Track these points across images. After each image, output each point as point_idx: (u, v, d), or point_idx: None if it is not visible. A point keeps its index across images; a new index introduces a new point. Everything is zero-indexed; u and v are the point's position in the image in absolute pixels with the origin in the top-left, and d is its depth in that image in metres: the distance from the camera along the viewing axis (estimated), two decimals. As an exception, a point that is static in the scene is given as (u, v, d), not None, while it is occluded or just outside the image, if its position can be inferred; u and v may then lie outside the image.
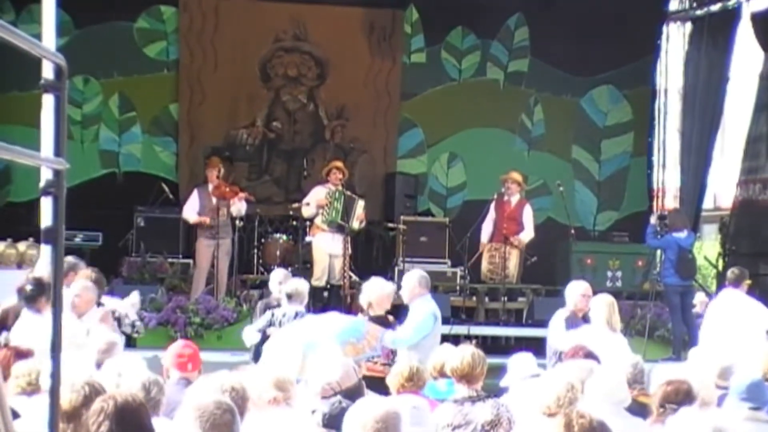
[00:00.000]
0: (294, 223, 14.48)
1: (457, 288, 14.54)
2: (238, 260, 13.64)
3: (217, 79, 15.99)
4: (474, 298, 14.29)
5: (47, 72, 2.20)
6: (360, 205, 13.15)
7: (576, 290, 8.93)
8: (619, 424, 4.93)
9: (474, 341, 10.03)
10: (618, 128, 17.10)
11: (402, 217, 15.02)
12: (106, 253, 13.82)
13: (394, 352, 8.10)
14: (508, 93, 16.82)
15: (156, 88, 15.98)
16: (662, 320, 13.35)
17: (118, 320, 8.44)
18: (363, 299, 8.65)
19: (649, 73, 17.08)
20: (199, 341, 11.54)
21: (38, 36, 2.24)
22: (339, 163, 13.67)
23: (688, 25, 16.68)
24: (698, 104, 15.93)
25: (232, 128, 16.18)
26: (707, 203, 17.45)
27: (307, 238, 13.67)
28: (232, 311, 12.62)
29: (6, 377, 5.55)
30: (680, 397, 5.48)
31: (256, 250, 14.75)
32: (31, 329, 7.18)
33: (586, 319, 8.71)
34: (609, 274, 14.83)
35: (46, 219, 2.20)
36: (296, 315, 9.04)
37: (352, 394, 5.47)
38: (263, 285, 13.99)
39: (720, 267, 15.77)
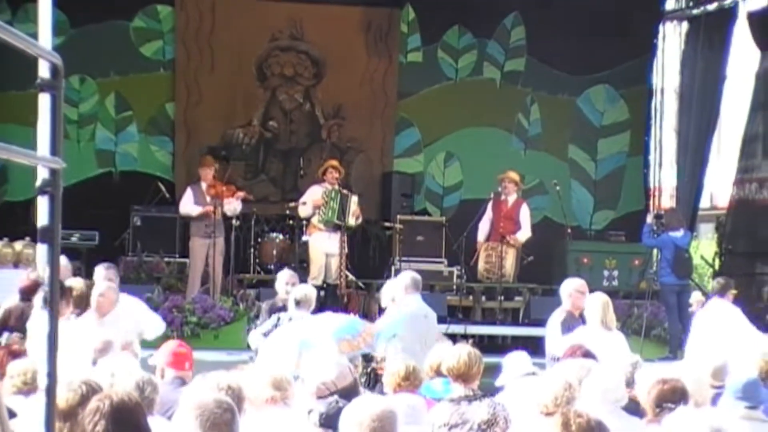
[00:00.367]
0: (290, 222, 14.46)
1: (454, 287, 14.57)
2: (234, 260, 13.63)
3: (214, 79, 15.97)
4: (471, 298, 14.31)
5: (43, 71, 2.20)
6: (354, 201, 13.14)
7: (570, 286, 8.91)
8: (616, 423, 4.93)
9: (470, 340, 10.04)
10: (614, 127, 17.09)
11: (398, 217, 15.05)
12: (103, 253, 13.71)
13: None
14: (504, 92, 16.81)
15: (152, 87, 15.95)
16: (659, 319, 13.36)
17: None
18: (385, 296, 8.74)
19: (646, 73, 17.07)
20: (196, 341, 11.58)
21: (34, 35, 2.23)
22: (335, 162, 13.66)
23: (685, 25, 16.69)
24: (695, 104, 15.93)
25: (228, 128, 16.15)
26: (704, 202, 17.43)
27: (304, 238, 13.67)
28: (229, 310, 12.60)
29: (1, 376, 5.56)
30: (677, 396, 5.48)
31: (252, 250, 14.75)
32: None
33: (583, 318, 8.70)
34: (605, 273, 14.85)
35: (42, 218, 2.20)
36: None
37: (348, 393, 5.47)
38: (260, 284, 14.04)
39: (716, 266, 15.78)
